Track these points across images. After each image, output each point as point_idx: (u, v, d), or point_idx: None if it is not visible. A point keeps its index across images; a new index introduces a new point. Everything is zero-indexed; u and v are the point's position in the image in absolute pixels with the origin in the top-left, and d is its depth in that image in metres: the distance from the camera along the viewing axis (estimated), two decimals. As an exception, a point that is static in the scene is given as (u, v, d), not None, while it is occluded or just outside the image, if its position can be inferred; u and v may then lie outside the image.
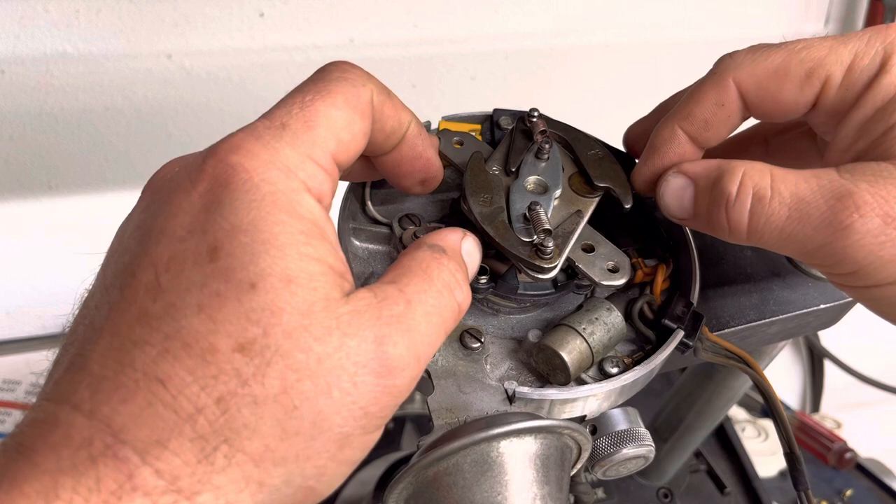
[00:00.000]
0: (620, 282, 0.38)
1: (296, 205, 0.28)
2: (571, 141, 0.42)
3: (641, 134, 0.42)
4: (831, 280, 0.35)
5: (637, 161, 0.41)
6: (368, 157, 0.36)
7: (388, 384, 0.27)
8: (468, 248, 0.35)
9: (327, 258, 0.28)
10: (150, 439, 0.24)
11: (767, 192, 0.33)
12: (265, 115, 0.30)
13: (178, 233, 0.27)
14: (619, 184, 0.40)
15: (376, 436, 0.29)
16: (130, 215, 0.29)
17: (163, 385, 0.24)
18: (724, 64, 0.37)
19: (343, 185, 0.42)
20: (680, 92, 0.41)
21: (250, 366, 0.25)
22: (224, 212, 0.27)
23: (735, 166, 0.35)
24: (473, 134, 0.44)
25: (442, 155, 0.42)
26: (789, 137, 0.43)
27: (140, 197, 0.30)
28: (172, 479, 0.24)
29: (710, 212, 0.35)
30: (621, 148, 0.45)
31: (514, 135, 0.42)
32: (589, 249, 0.39)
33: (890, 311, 0.34)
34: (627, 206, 0.40)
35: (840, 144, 0.35)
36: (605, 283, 0.38)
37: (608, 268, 0.38)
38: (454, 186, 0.44)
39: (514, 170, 0.40)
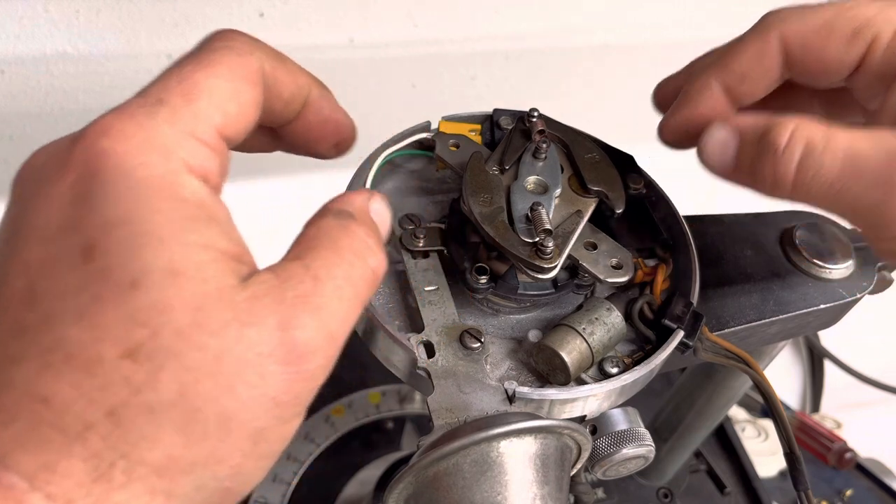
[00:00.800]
0: (624, 278, 0.38)
1: (177, 188, 0.25)
2: (570, 143, 0.42)
3: (671, 91, 0.41)
4: (877, 248, 0.34)
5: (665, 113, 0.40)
6: (273, 129, 0.35)
7: (298, 370, 0.25)
8: (377, 209, 0.32)
9: (218, 243, 0.26)
10: (37, 463, 0.22)
11: (819, 145, 0.32)
12: (140, 92, 0.27)
13: (49, 232, 0.25)
14: (612, 189, 0.40)
15: (295, 424, 0.27)
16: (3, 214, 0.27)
17: (46, 403, 0.23)
18: (769, 18, 0.37)
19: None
20: (716, 48, 0.40)
21: (141, 372, 0.23)
22: (96, 204, 0.24)
23: (786, 119, 0.33)
24: (473, 134, 0.44)
25: (438, 157, 0.42)
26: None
27: (10, 191, 0.27)
28: (66, 502, 0.22)
29: (754, 163, 0.34)
30: (621, 148, 0.45)
31: (512, 134, 0.42)
32: (592, 247, 0.39)
33: None
34: (618, 211, 0.40)
35: (890, 111, 0.34)
36: (609, 280, 0.38)
37: (612, 265, 0.38)
38: (454, 187, 0.44)
39: (507, 168, 0.40)
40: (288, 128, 0.34)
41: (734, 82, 0.37)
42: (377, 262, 0.30)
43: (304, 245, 0.28)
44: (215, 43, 0.29)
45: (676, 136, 0.39)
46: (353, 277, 0.28)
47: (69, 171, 0.25)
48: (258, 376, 0.25)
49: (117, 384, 0.23)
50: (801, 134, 0.32)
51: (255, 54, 0.30)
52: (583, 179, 0.40)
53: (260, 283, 0.26)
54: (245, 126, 0.29)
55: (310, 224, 0.30)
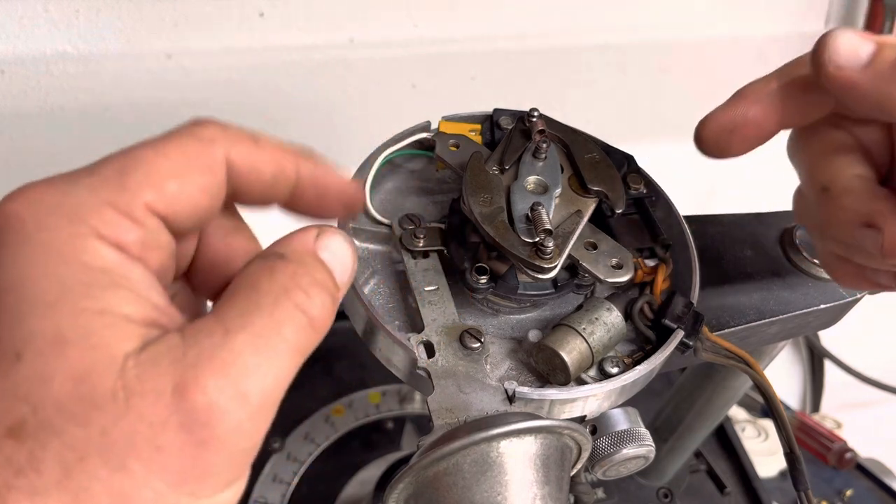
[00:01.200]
0: (625, 278, 0.38)
1: (79, 252, 0.24)
2: (570, 143, 0.42)
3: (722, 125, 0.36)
4: None
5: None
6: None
7: (204, 437, 0.23)
8: (330, 246, 0.28)
9: (119, 308, 0.23)
10: None
11: None
12: (89, 165, 0.26)
13: None
14: (612, 188, 0.40)
15: (229, 494, 0.24)
16: None
17: None
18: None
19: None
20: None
21: (23, 451, 0.21)
22: None
23: None
24: (473, 134, 0.44)
25: (438, 157, 0.42)
26: None
27: None
28: None
29: None
30: (621, 148, 0.45)
31: (512, 134, 0.42)
32: (592, 247, 0.39)
33: None
34: (618, 211, 0.40)
35: None
36: (609, 280, 0.38)
37: (612, 265, 0.38)
38: (454, 187, 0.44)
39: (507, 167, 0.40)
40: (289, 204, 0.31)
41: (798, 91, 0.34)
42: (310, 304, 0.26)
43: (223, 298, 0.25)
44: (181, 129, 0.28)
45: (718, 133, 0.35)
46: (275, 324, 0.25)
47: None
48: (153, 449, 0.22)
49: (1, 465, 0.21)
50: None
51: (219, 142, 0.28)
52: (583, 179, 0.40)
53: (160, 343, 0.23)
54: (190, 209, 0.27)
55: (237, 273, 0.27)
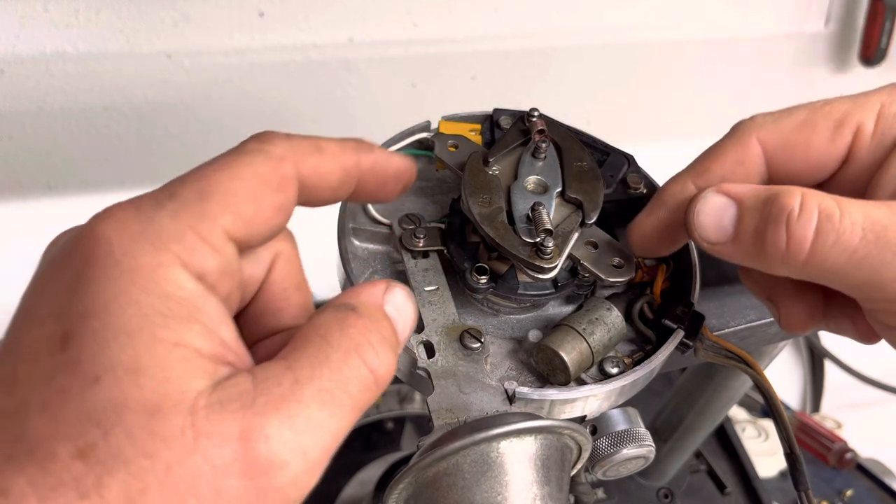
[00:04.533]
0: (625, 277, 0.38)
1: (161, 281, 0.24)
2: (564, 148, 0.42)
3: (649, 233, 0.38)
4: (889, 322, 0.32)
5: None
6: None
7: (262, 486, 0.23)
8: (396, 302, 0.28)
9: (193, 341, 0.24)
10: None
11: (836, 211, 0.30)
12: (162, 186, 0.27)
13: (40, 315, 0.24)
14: (590, 199, 0.39)
15: None
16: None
17: (4, 497, 0.22)
18: (745, 125, 0.35)
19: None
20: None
21: (91, 475, 0.22)
22: (82, 292, 0.24)
23: (791, 187, 0.31)
24: (473, 134, 0.44)
25: (437, 158, 0.42)
26: None
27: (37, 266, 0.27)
28: None
29: (760, 232, 0.31)
30: (621, 148, 0.45)
31: (508, 132, 0.42)
32: (593, 247, 0.39)
33: None
34: (589, 223, 0.39)
35: (889, 185, 0.33)
36: (611, 279, 0.38)
37: (613, 264, 0.38)
38: (454, 187, 0.44)
39: (491, 160, 0.40)
40: (352, 197, 0.32)
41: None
42: (378, 362, 0.26)
43: (293, 343, 0.26)
44: (248, 145, 0.28)
45: (647, 239, 0.37)
46: (342, 380, 0.25)
47: (73, 254, 0.25)
48: (213, 491, 0.22)
49: (67, 485, 0.22)
50: (813, 200, 0.30)
51: (289, 159, 0.28)
52: (565, 187, 0.40)
53: (231, 386, 0.24)
54: (265, 229, 0.28)
55: (308, 320, 0.27)
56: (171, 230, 0.25)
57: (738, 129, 0.36)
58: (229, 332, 0.26)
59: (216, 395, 0.23)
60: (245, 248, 0.28)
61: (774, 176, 0.35)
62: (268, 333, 0.31)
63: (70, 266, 0.25)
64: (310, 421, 0.24)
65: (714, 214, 0.33)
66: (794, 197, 0.30)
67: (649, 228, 0.37)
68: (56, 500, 0.22)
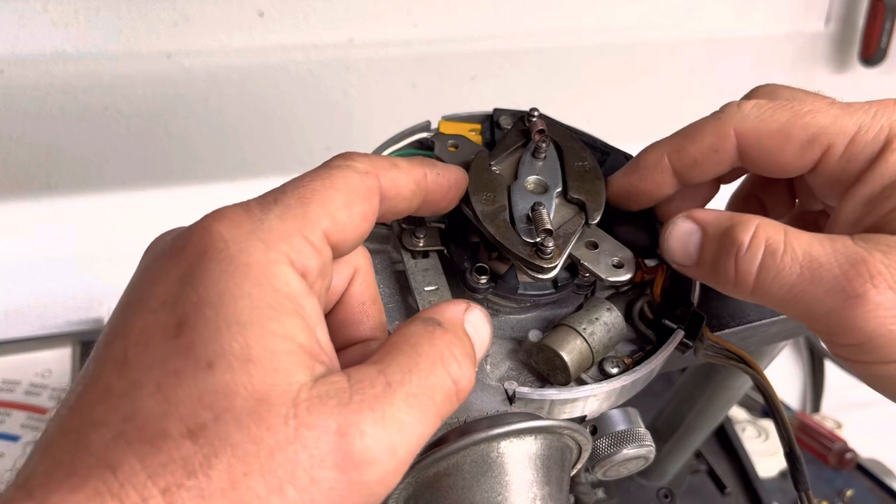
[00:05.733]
0: (626, 277, 0.38)
1: (271, 277, 0.26)
2: (564, 148, 0.42)
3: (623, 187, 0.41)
4: (834, 352, 0.34)
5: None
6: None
7: (353, 480, 0.25)
8: (474, 321, 0.31)
9: (297, 336, 0.26)
10: None
11: (780, 247, 0.32)
12: (266, 192, 0.29)
13: (153, 304, 0.26)
14: (592, 200, 0.40)
15: None
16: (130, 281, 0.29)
17: (113, 473, 0.23)
18: (729, 112, 0.37)
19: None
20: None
21: (199, 454, 0.23)
22: (196, 283, 0.26)
23: (749, 218, 0.34)
24: (473, 133, 0.44)
25: (437, 158, 0.42)
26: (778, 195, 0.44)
27: (140, 260, 0.29)
28: None
29: (716, 260, 0.35)
30: (621, 147, 0.45)
31: (509, 132, 0.42)
32: (593, 247, 0.39)
33: (894, 390, 0.33)
34: (592, 223, 0.39)
35: (846, 218, 0.35)
36: (610, 279, 0.38)
37: (613, 263, 0.38)
38: (454, 186, 0.44)
39: (492, 161, 0.40)
40: (419, 210, 0.36)
41: (685, 166, 0.38)
42: (461, 373, 0.28)
43: (384, 349, 0.28)
44: (336, 161, 0.31)
45: (619, 197, 0.40)
46: (429, 387, 0.27)
47: (184, 249, 0.27)
48: (309, 480, 0.24)
49: (176, 463, 0.23)
50: (763, 234, 0.33)
51: (373, 173, 0.31)
52: (567, 187, 0.40)
53: (329, 383, 0.25)
54: (354, 235, 0.30)
55: (396, 330, 0.29)
56: (280, 231, 0.27)
57: (720, 115, 0.37)
58: (324, 333, 0.28)
59: (316, 389, 0.25)
60: (337, 253, 0.30)
61: (745, 165, 0.38)
62: (345, 343, 0.33)
63: (183, 259, 0.26)
64: (400, 423, 0.25)
65: (682, 240, 0.36)
66: (747, 231, 0.33)
67: (620, 188, 0.40)
68: (165, 478, 0.23)
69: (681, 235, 0.36)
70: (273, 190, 0.29)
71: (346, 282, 0.34)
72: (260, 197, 0.29)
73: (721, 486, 0.80)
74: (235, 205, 0.28)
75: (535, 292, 0.39)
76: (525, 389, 0.35)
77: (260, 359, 0.25)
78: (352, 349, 0.33)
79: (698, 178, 0.39)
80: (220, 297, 0.25)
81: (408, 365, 0.27)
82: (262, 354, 0.25)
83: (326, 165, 0.31)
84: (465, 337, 0.30)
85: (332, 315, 0.34)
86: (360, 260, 0.34)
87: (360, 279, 0.34)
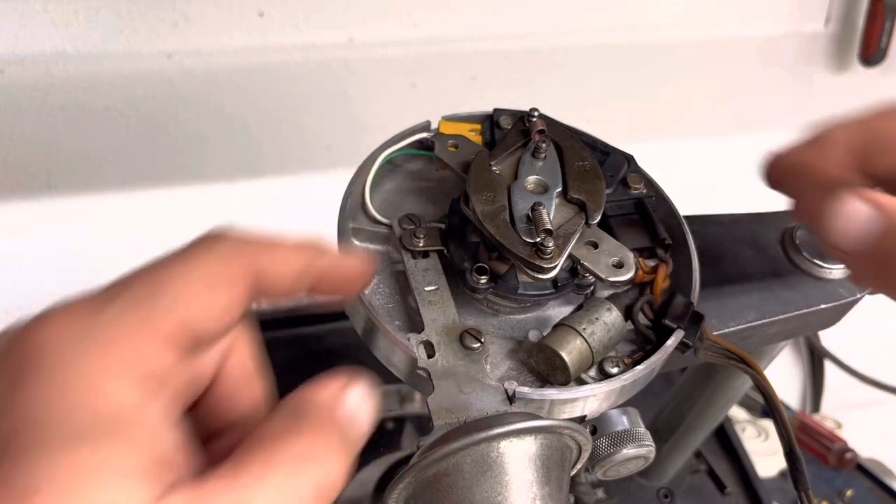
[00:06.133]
0: (626, 276, 0.38)
1: (95, 392, 0.23)
2: (564, 148, 0.42)
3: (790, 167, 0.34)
4: None
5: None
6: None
7: None
8: (350, 404, 0.28)
9: (119, 459, 0.23)
10: None
11: None
12: (107, 284, 0.26)
13: None
14: (593, 200, 0.39)
15: None
16: None
17: None
18: None
19: (342, 186, 0.42)
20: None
21: None
22: (15, 402, 0.23)
23: None
24: (473, 134, 0.44)
25: (438, 158, 0.42)
26: None
27: None
28: None
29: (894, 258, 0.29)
30: (622, 147, 0.45)
31: (509, 132, 0.42)
32: (593, 246, 0.39)
33: None
34: (592, 223, 0.39)
35: None
36: (611, 279, 0.38)
37: (613, 264, 0.38)
38: (454, 187, 0.44)
39: (494, 162, 0.40)
40: (310, 293, 0.32)
41: (873, 148, 0.31)
42: (323, 475, 0.25)
43: (242, 449, 0.25)
44: (202, 243, 0.28)
45: (781, 173, 0.34)
46: (286, 495, 0.24)
47: (9, 358, 0.24)
48: None
49: None
50: None
51: (242, 256, 0.28)
52: (567, 187, 0.40)
53: (171, 501, 0.23)
54: (217, 325, 0.27)
55: (261, 423, 0.26)
56: (117, 331, 0.24)
57: None
58: (171, 441, 0.25)
59: None
60: (200, 342, 0.27)
61: None
62: (223, 426, 0.31)
63: (6, 371, 0.24)
64: None
65: (856, 222, 0.30)
66: None
67: (788, 162, 0.34)
68: None
69: (858, 217, 0.30)
70: (125, 276, 0.26)
71: (216, 364, 0.31)
72: (106, 287, 0.26)
73: (721, 486, 0.80)
74: (73, 301, 0.25)
75: (535, 292, 0.39)
76: (525, 389, 0.35)
77: (75, 491, 0.22)
78: (229, 436, 0.31)
79: (886, 167, 0.31)
80: (37, 420, 0.22)
81: (262, 471, 0.24)
82: (77, 486, 0.22)
83: (189, 246, 0.28)
84: (333, 429, 0.27)
85: (205, 399, 0.31)
86: (235, 338, 0.31)
87: (235, 359, 0.31)
